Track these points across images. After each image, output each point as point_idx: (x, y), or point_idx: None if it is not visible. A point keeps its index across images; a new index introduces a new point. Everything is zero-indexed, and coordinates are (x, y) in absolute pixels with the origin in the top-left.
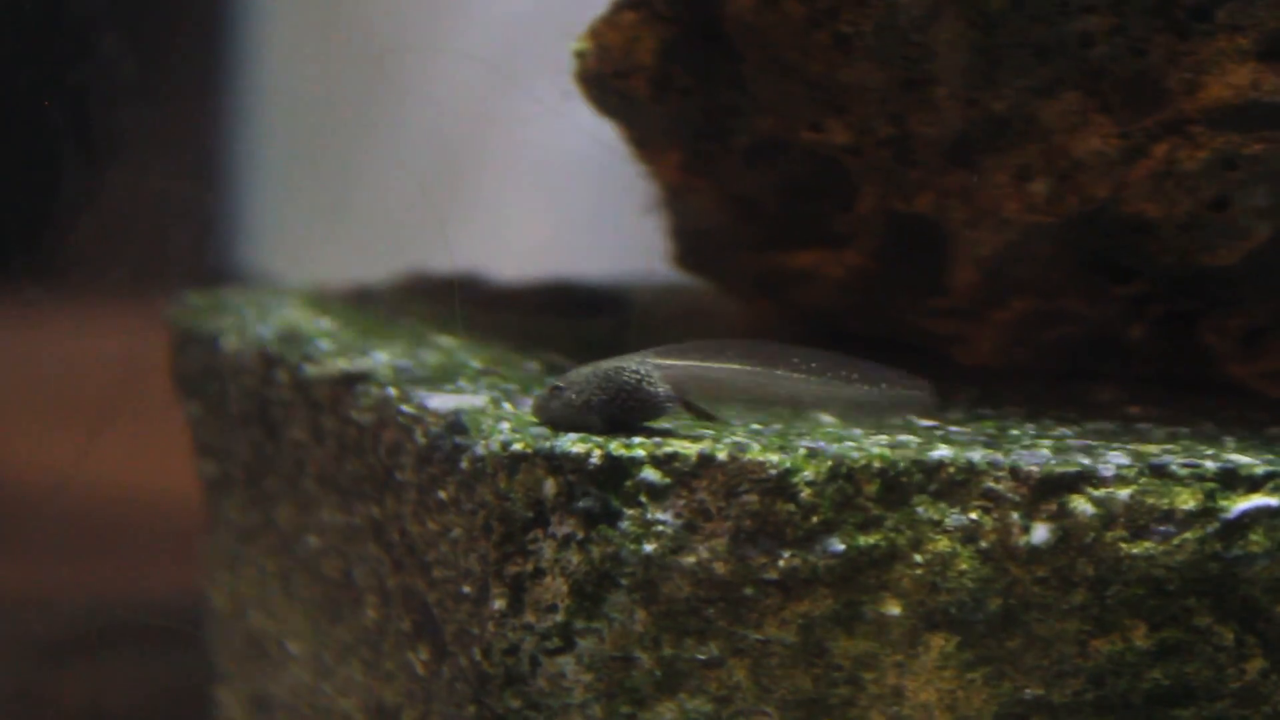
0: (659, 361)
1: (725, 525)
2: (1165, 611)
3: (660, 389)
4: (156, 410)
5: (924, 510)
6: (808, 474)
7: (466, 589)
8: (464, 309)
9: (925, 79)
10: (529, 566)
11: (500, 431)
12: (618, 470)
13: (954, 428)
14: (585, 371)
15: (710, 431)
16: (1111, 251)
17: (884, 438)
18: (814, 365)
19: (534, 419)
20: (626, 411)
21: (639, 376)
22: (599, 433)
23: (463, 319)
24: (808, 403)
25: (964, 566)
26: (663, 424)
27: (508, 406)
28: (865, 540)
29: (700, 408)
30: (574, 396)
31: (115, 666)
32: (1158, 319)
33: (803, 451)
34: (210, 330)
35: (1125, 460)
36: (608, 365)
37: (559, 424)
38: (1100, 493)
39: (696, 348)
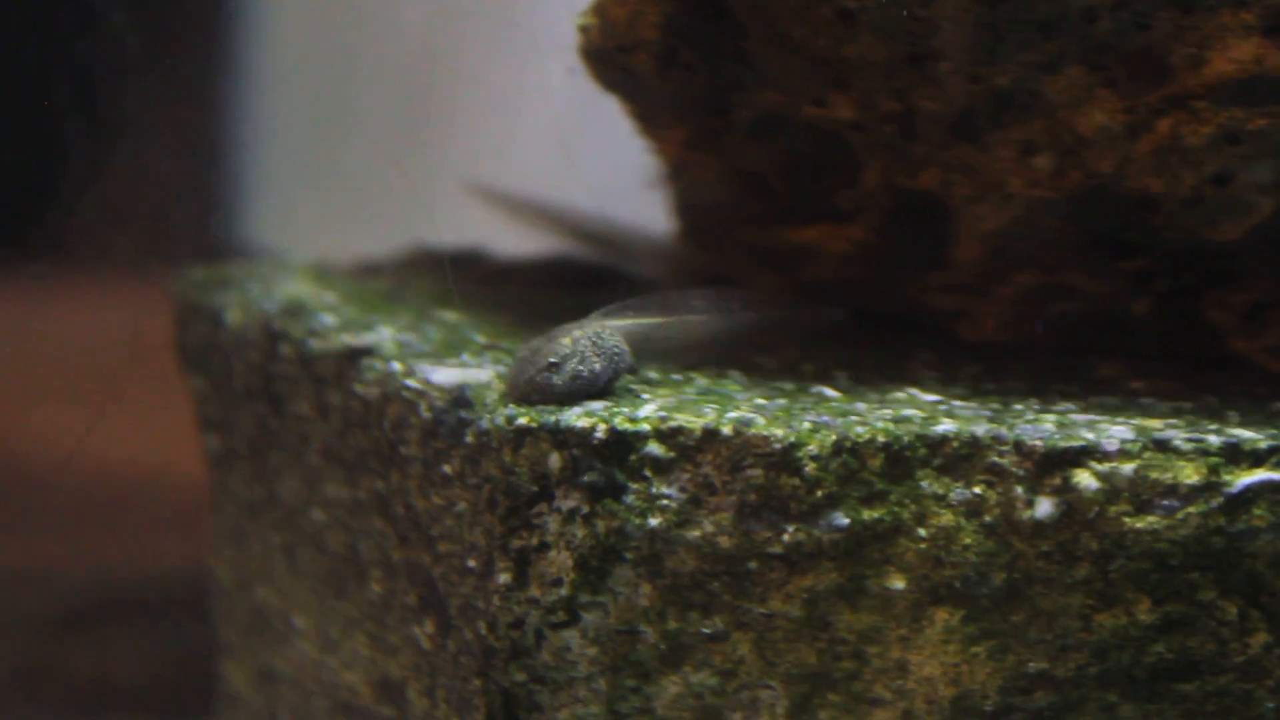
0: (612, 324)
1: (730, 499)
2: (1169, 586)
3: (627, 350)
4: (161, 385)
5: (928, 484)
6: (812, 448)
7: (471, 563)
8: (463, 284)
9: (929, 54)
10: (534, 540)
11: (505, 405)
12: (622, 444)
13: (958, 402)
14: (565, 344)
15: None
16: (1115, 227)
17: (889, 411)
18: (717, 300)
19: (526, 400)
20: (616, 376)
21: (617, 339)
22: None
23: (459, 295)
24: (722, 338)
25: (968, 541)
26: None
27: None
28: (869, 514)
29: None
30: (581, 367)
31: (121, 641)
32: (1161, 294)
33: (807, 426)
34: (214, 305)
35: (1129, 435)
36: (585, 332)
37: (564, 399)
38: (1104, 467)
39: (629, 306)
